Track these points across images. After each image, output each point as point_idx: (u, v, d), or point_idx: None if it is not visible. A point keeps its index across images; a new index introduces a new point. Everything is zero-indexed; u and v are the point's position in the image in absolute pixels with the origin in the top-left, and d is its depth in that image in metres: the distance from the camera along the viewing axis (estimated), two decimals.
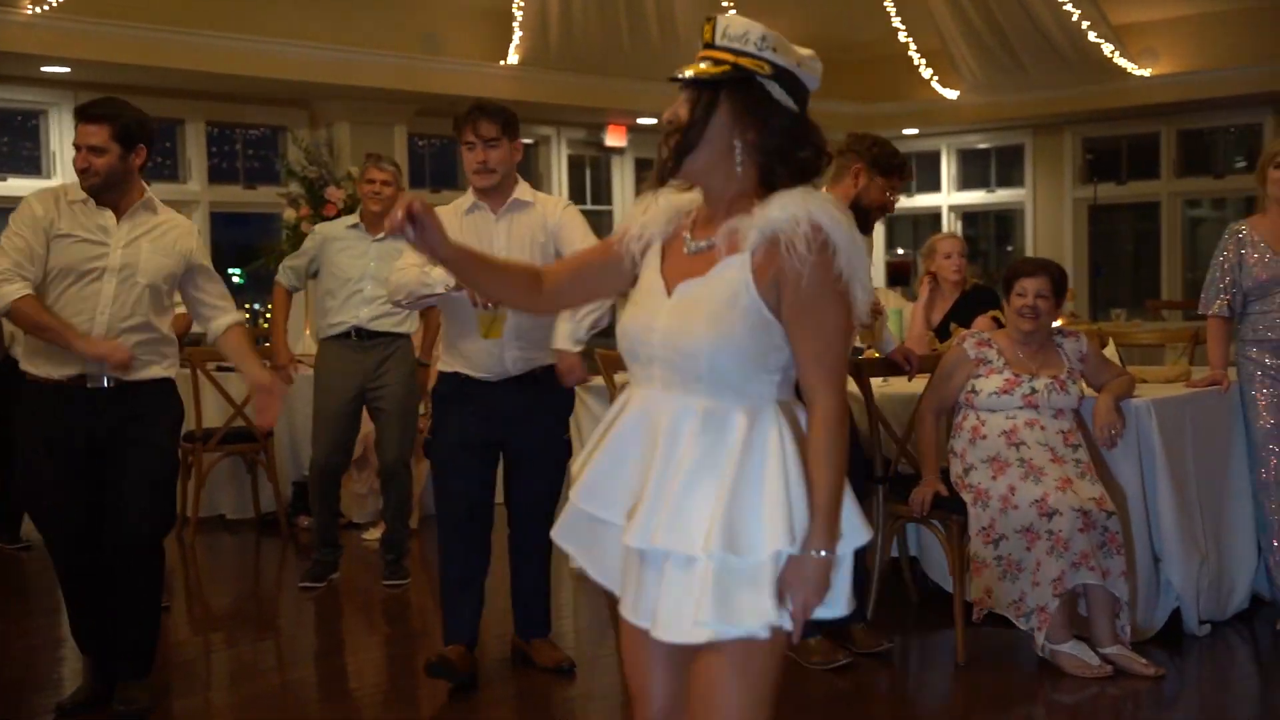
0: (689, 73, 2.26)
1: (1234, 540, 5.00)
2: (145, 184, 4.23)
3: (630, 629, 2.35)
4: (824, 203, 2.20)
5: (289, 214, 8.58)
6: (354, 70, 9.60)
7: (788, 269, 2.17)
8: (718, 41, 2.24)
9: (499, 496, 4.57)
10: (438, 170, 11.47)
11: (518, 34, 10.51)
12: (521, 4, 10.43)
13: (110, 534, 4.11)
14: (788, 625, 2.21)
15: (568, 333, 4.25)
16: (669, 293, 2.29)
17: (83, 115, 4.12)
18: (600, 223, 13.04)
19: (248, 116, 10.38)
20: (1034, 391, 4.56)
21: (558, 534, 2.46)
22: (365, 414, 6.09)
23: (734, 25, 2.23)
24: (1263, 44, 11.60)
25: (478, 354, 4.35)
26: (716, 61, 2.24)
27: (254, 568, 6.90)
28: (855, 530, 2.27)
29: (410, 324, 5.97)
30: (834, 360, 2.22)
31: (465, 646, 4.45)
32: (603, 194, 12.97)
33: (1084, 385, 4.67)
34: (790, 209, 2.18)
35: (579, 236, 4.36)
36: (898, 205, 4.80)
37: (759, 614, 2.17)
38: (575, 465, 2.47)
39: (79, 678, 4.52)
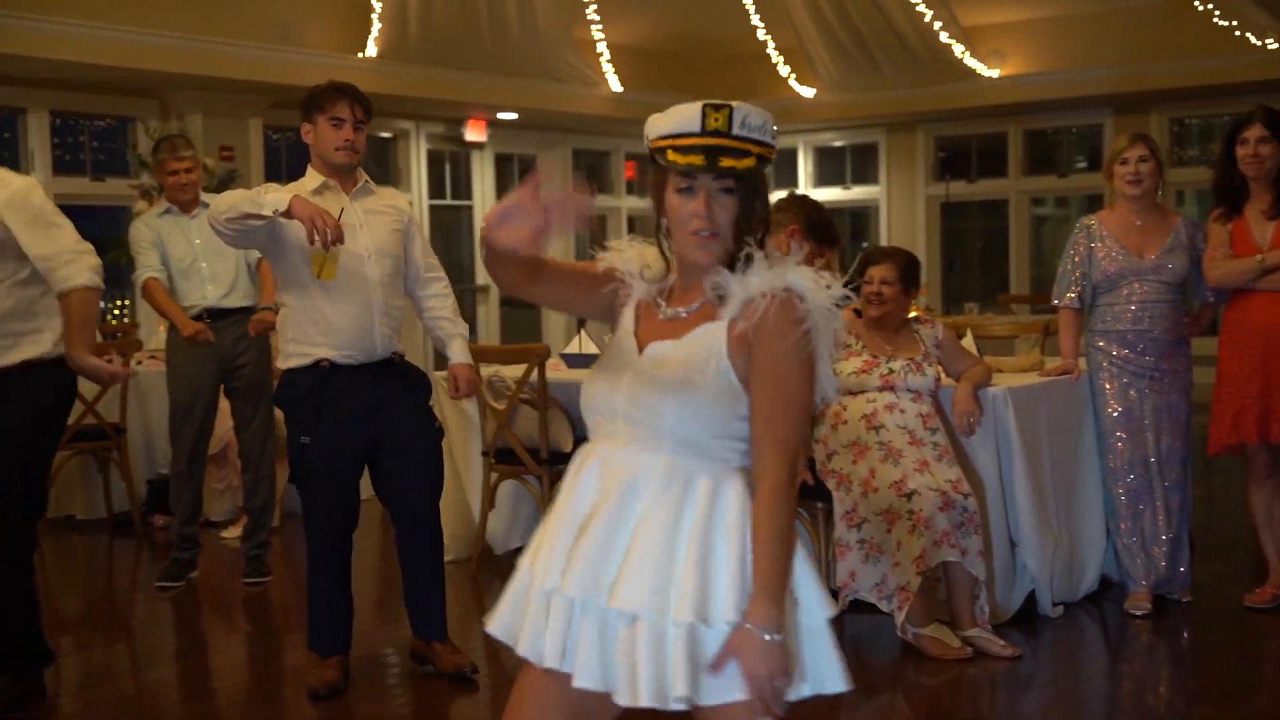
0: (733, 165, 2.22)
1: (1085, 524, 5.17)
2: None
3: (541, 675, 2.25)
4: (804, 274, 2.22)
5: (141, 205, 8.34)
6: (207, 60, 9.35)
7: (762, 333, 2.17)
8: (736, 131, 2.23)
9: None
10: (294, 163, 11.25)
11: (376, 26, 10.37)
12: None
13: None
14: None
15: (462, 349, 4.43)
16: (640, 352, 2.29)
17: None
18: (459, 218, 12.94)
19: (95, 106, 10.05)
20: (891, 372, 4.67)
21: (499, 630, 2.32)
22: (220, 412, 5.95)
23: (753, 116, 2.24)
24: (1104, 48, 12.04)
25: (346, 328, 4.16)
26: (743, 153, 2.23)
27: (106, 569, 6.69)
28: (818, 601, 2.25)
29: (258, 294, 5.77)
30: (788, 428, 2.19)
31: (342, 655, 4.35)
32: (462, 189, 12.86)
33: (941, 371, 4.79)
34: (772, 278, 2.19)
35: (420, 250, 4.41)
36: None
37: (727, 689, 2.14)
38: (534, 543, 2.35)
39: None
